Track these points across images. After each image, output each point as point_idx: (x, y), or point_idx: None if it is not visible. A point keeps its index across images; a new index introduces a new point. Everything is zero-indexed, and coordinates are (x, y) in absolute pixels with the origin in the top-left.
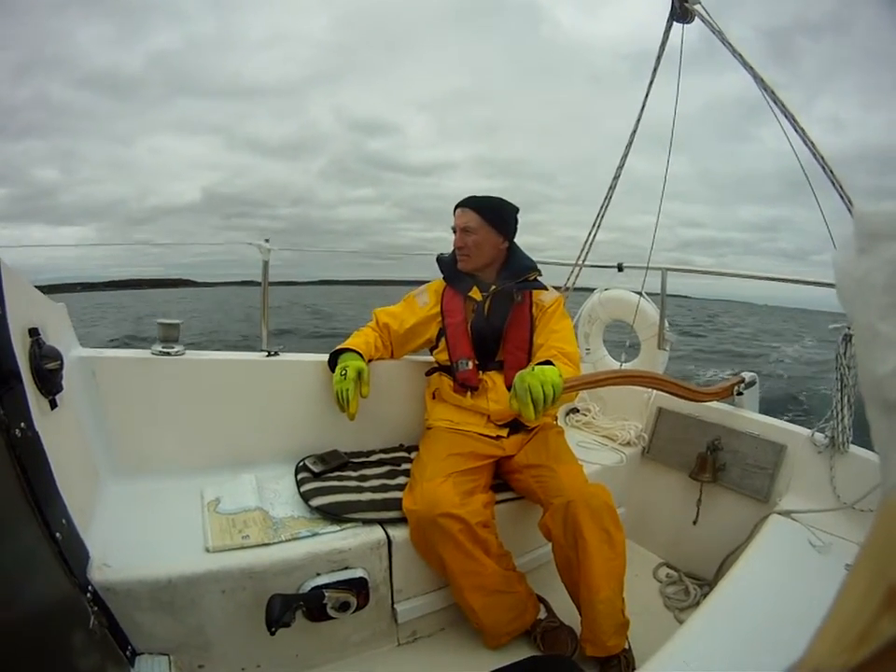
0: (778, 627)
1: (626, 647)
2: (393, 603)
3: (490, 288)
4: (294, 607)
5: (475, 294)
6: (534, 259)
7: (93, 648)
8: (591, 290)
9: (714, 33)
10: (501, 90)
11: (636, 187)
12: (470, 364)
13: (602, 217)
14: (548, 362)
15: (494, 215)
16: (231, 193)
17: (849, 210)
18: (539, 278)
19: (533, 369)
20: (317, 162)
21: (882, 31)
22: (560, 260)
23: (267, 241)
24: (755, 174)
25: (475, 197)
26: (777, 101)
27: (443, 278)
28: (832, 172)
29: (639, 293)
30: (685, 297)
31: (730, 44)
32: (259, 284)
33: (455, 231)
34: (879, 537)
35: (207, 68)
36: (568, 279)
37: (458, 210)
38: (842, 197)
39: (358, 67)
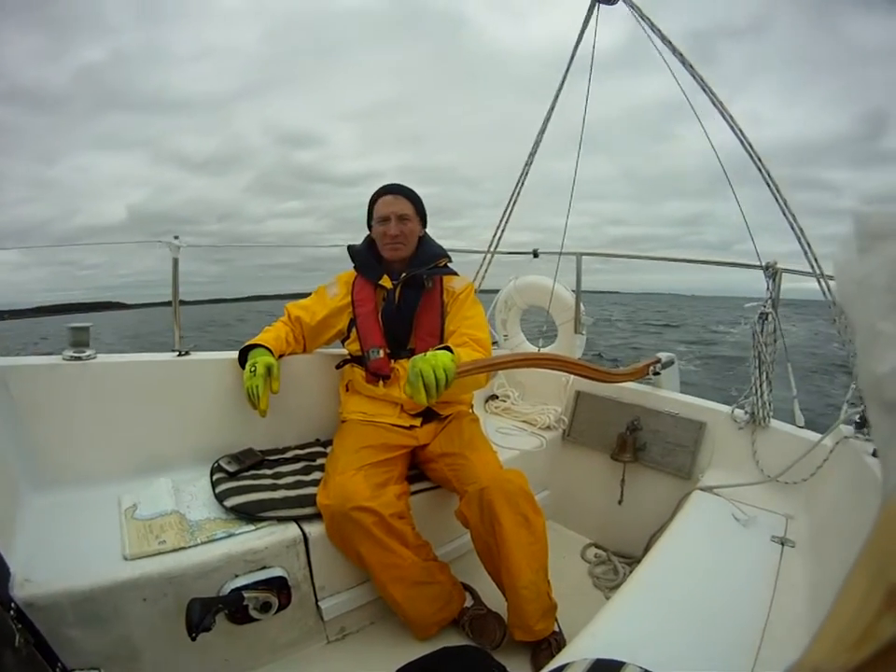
0: (703, 599)
1: (556, 629)
2: (317, 600)
3: (400, 276)
4: (214, 610)
5: (385, 282)
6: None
7: (21, 667)
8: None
9: (638, 17)
10: (427, 99)
11: (559, 188)
12: (381, 353)
13: (512, 208)
14: (445, 347)
15: (419, 203)
16: (157, 211)
17: (778, 199)
18: (448, 265)
19: (426, 354)
20: (245, 177)
21: (799, 33)
22: (474, 254)
23: (177, 238)
24: (677, 171)
25: (403, 185)
26: (705, 88)
27: (354, 267)
28: (760, 160)
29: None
30: (615, 292)
31: (658, 29)
32: (191, 303)
33: (384, 220)
34: (879, 537)
35: (134, 82)
36: (480, 267)
37: (390, 197)
38: (768, 185)
39: (285, 80)
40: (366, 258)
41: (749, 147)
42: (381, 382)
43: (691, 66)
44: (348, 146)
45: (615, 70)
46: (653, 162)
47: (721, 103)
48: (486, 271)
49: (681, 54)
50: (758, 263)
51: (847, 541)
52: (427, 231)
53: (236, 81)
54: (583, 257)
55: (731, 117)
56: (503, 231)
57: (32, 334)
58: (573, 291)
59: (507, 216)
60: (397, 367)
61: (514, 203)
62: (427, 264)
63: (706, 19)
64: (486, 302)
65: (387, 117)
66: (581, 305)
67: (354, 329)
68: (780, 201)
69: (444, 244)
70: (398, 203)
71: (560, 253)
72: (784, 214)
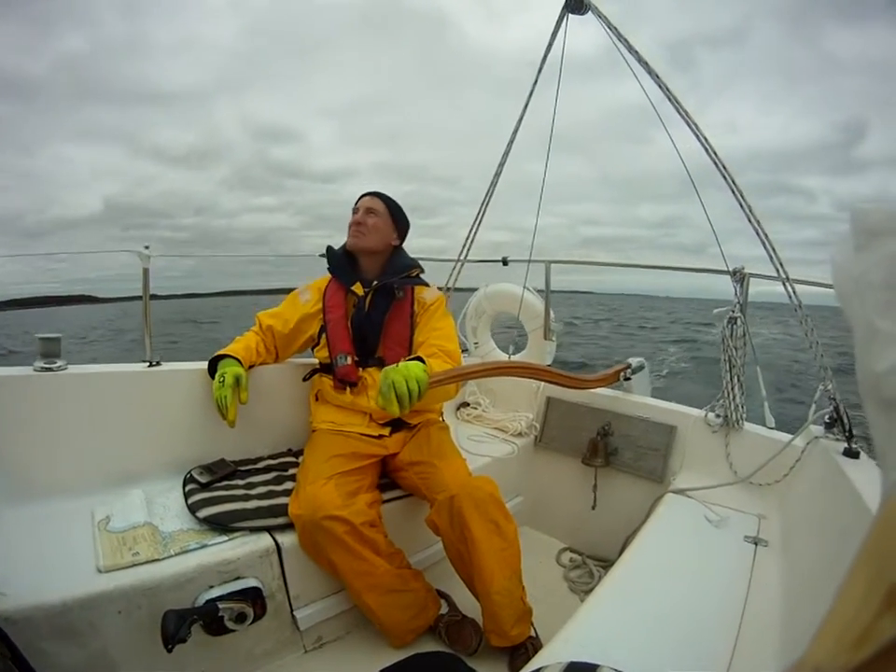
0: (677, 600)
1: (532, 634)
2: (292, 610)
3: (373, 284)
4: (189, 621)
5: (357, 289)
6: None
7: None
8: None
9: (606, 27)
10: (406, 97)
11: (536, 189)
12: (349, 360)
13: (482, 214)
14: (417, 358)
15: (397, 210)
16: (132, 203)
17: (743, 206)
18: (421, 275)
19: (398, 365)
20: (221, 171)
21: (777, 43)
22: (448, 258)
23: (147, 247)
24: (653, 174)
25: (387, 195)
26: (671, 97)
27: (329, 269)
28: (724, 167)
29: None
30: (588, 293)
31: (625, 39)
32: (162, 297)
33: (354, 213)
34: (879, 536)
35: (113, 73)
36: (450, 276)
37: (367, 196)
38: (733, 191)
39: (264, 75)
40: (341, 261)
41: (713, 155)
42: (348, 388)
43: (657, 76)
44: (326, 142)
45: (594, 73)
46: (630, 165)
47: (686, 112)
48: (457, 278)
49: (647, 63)
50: (725, 269)
51: (819, 539)
52: (402, 246)
53: (215, 75)
54: (558, 259)
55: (696, 125)
56: (474, 237)
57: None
58: (541, 295)
59: (478, 222)
60: (365, 375)
61: (486, 206)
62: (399, 274)
63: (684, 26)
64: (461, 300)
65: (366, 114)
66: (551, 312)
67: (323, 336)
68: (745, 207)
69: (421, 242)
70: (371, 201)
71: (529, 261)
72: (749, 220)
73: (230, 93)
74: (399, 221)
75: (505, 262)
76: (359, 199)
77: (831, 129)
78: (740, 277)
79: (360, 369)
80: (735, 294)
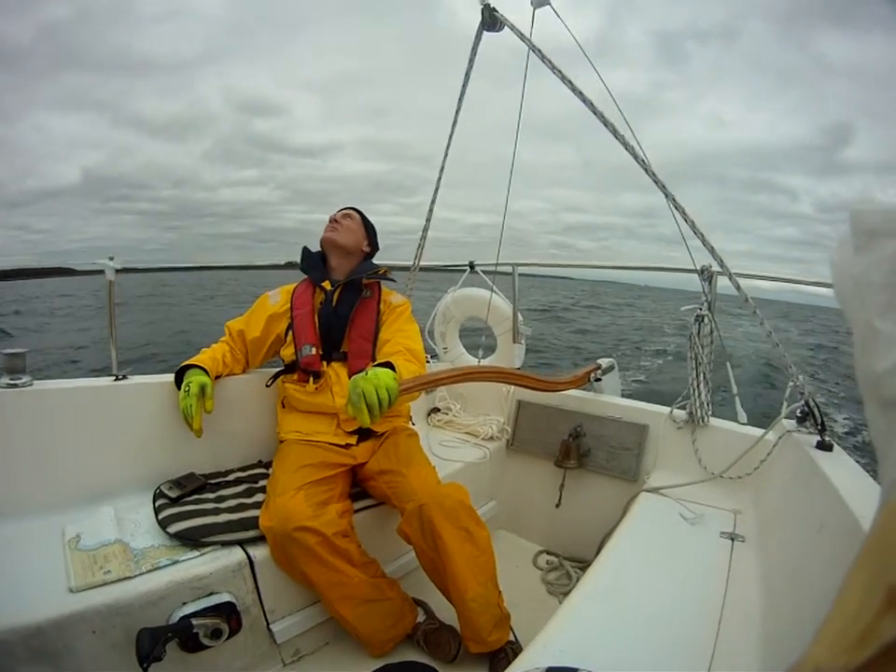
0: (655, 599)
1: (512, 639)
2: (268, 624)
3: (341, 281)
4: (163, 639)
5: (326, 285)
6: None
7: None
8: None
9: (523, 40)
10: (392, 75)
11: (519, 173)
12: (314, 350)
13: (431, 212)
14: (387, 364)
15: (371, 226)
16: (113, 175)
17: (672, 208)
18: (388, 275)
19: (367, 372)
20: (203, 143)
21: (768, 43)
22: (412, 268)
23: (112, 259)
24: (636, 164)
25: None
26: (591, 107)
27: (301, 268)
28: (654, 174)
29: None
30: (568, 278)
31: (539, 51)
32: (141, 270)
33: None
34: (879, 536)
35: (97, 40)
36: (408, 284)
37: (346, 209)
38: (665, 196)
39: (249, 47)
40: (314, 259)
41: (643, 162)
42: (311, 380)
43: (570, 81)
44: (309, 116)
45: (581, 63)
46: (614, 154)
47: (612, 123)
48: (413, 288)
49: (560, 71)
50: (693, 267)
51: (795, 532)
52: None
53: (200, 45)
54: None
55: (623, 137)
56: (423, 247)
57: None
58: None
59: (425, 232)
60: (329, 371)
61: (433, 204)
62: (366, 273)
63: (677, 19)
64: (429, 300)
65: (351, 90)
66: (519, 315)
67: (290, 333)
68: (678, 209)
69: (400, 220)
70: (349, 211)
71: (496, 264)
72: (676, 222)
73: (214, 64)
74: (371, 234)
75: (472, 267)
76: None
77: (816, 131)
78: (708, 275)
79: (325, 363)
80: (703, 292)
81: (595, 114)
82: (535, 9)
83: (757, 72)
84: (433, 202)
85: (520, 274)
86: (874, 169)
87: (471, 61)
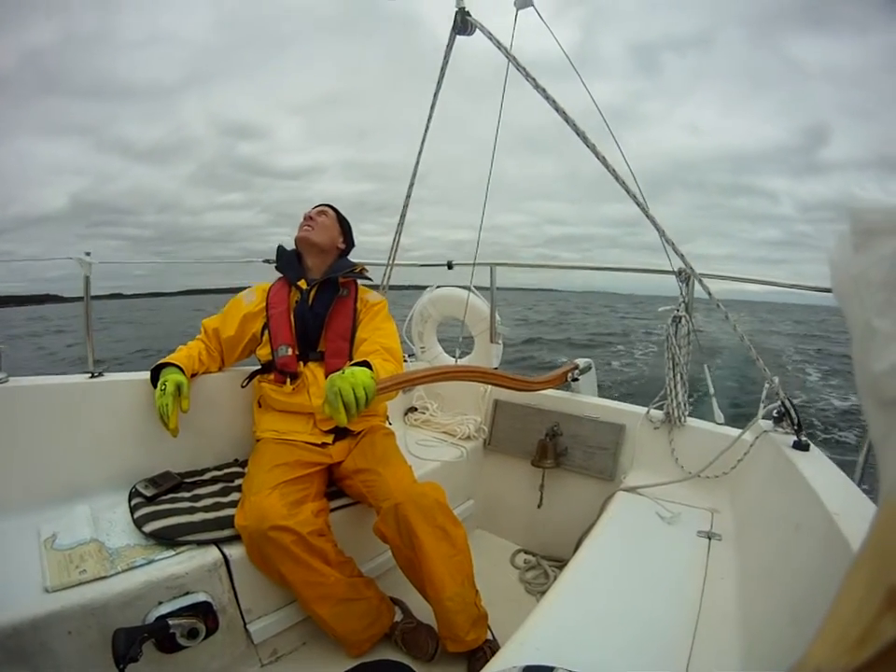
0: (632, 598)
1: (489, 638)
2: (245, 624)
3: (317, 280)
4: (139, 639)
5: (302, 284)
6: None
7: None
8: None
9: (496, 45)
10: (374, 95)
11: (503, 187)
12: (290, 351)
13: (404, 216)
14: (364, 363)
15: (345, 222)
16: (97, 200)
17: (645, 213)
18: (364, 273)
19: (343, 371)
20: (187, 167)
21: (743, 49)
22: (387, 263)
23: (88, 254)
24: (620, 174)
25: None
26: (566, 117)
27: (276, 267)
28: (623, 182)
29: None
30: (551, 290)
31: (513, 57)
32: (127, 296)
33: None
34: (878, 537)
35: (81, 66)
36: (383, 279)
37: (320, 206)
38: (637, 204)
39: (232, 71)
40: (289, 259)
41: (611, 170)
42: (288, 380)
43: (544, 90)
44: (293, 139)
45: (561, 74)
46: (596, 165)
47: (583, 133)
48: (389, 278)
49: (534, 79)
50: (671, 269)
51: (772, 531)
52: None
53: (183, 70)
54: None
55: (594, 146)
56: (398, 244)
57: None
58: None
59: (399, 229)
60: (305, 371)
61: (404, 217)
62: (343, 271)
63: (652, 30)
64: (412, 298)
65: (334, 111)
66: (497, 315)
67: (266, 332)
68: (649, 217)
69: (385, 240)
70: (323, 208)
71: (474, 264)
72: (655, 227)
73: (196, 88)
74: (346, 231)
75: (450, 266)
76: (312, 208)
77: (794, 133)
78: (685, 277)
79: (301, 363)
80: (681, 294)
81: (566, 122)
82: (518, 10)
83: (733, 78)
84: (411, 185)
85: (499, 288)
86: (852, 166)
87: (443, 68)
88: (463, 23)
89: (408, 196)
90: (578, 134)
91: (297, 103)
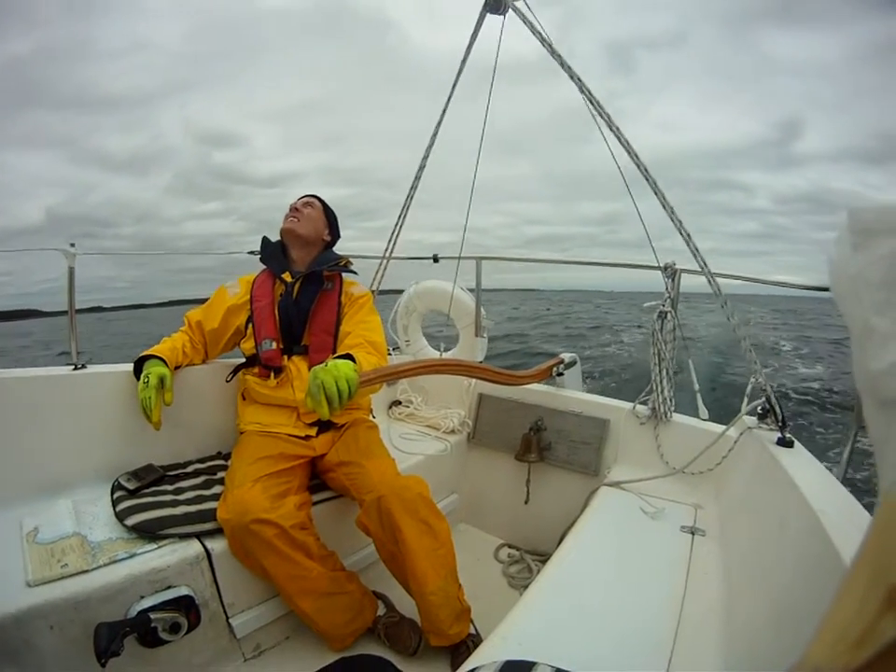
0: (615, 593)
1: (473, 632)
2: (228, 618)
3: (302, 273)
4: (121, 634)
5: (286, 277)
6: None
7: None
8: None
9: (528, 27)
10: (350, 101)
11: (478, 188)
12: (274, 345)
13: (406, 211)
14: (347, 356)
15: (331, 213)
16: (76, 212)
17: (665, 207)
18: (350, 267)
19: (326, 364)
20: (165, 177)
21: (716, 46)
22: (376, 255)
23: (73, 245)
24: (596, 172)
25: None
26: (593, 102)
27: (260, 259)
28: (647, 170)
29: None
30: (534, 290)
31: (549, 44)
32: (107, 309)
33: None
34: (878, 536)
35: (58, 78)
36: (377, 273)
37: (307, 197)
38: (655, 193)
39: (208, 79)
40: (274, 250)
41: (634, 157)
42: (272, 375)
43: (579, 79)
44: (269, 146)
45: (536, 75)
46: (573, 164)
47: (608, 115)
48: (383, 275)
49: (570, 67)
50: (657, 264)
51: (755, 527)
52: (334, 248)
53: (159, 79)
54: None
55: (618, 128)
56: (398, 233)
57: None
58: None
59: (402, 219)
60: (289, 365)
61: (408, 207)
62: (328, 264)
63: (624, 28)
64: (388, 303)
65: (310, 118)
66: (482, 309)
67: (250, 326)
68: (667, 208)
69: (362, 245)
70: (309, 199)
71: (459, 258)
72: (671, 220)
73: (173, 98)
74: (332, 222)
75: (436, 259)
76: (298, 199)
77: (768, 127)
78: (671, 272)
79: (285, 357)
80: (667, 289)
81: (601, 114)
82: (507, 6)
83: (706, 75)
84: (413, 187)
85: (484, 290)
86: (826, 158)
87: (469, 47)
88: (496, 2)
89: (410, 197)
90: (611, 128)
91: (272, 110)
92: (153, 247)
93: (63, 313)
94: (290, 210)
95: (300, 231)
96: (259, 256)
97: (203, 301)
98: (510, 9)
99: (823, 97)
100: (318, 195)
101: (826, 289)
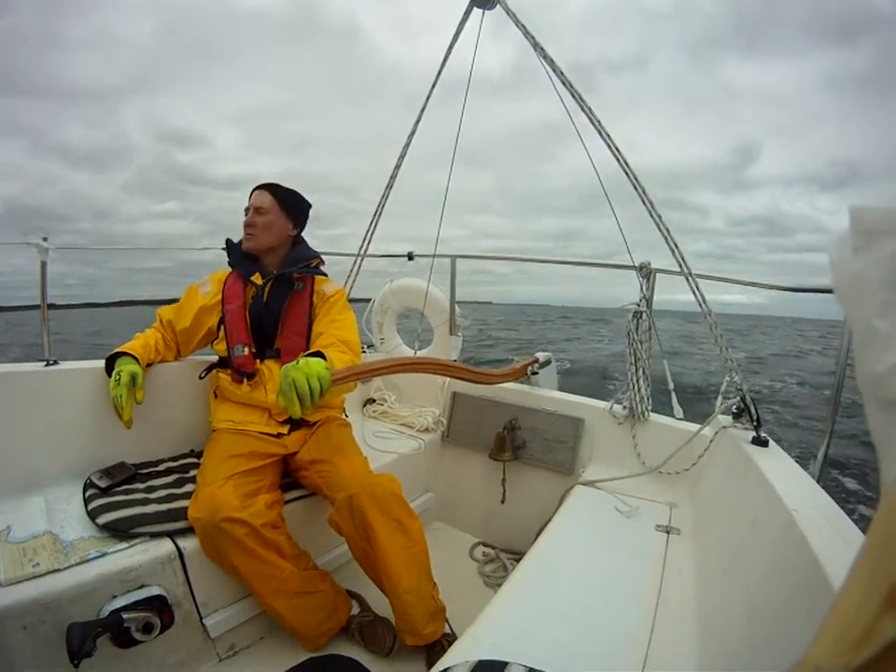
0: (589, 591)
1: (448, 631)
2: (201, 618)
3: (272, 274)
4: (93, 634)
5: (256, 279)
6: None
7: None
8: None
9: (517, 25)
10: (315, 107)
11: (439, 200)
12: (246, 350)
13: (380, 211)
14: (318, 353)
15: (288, 201)
16: (32, 205)
17: (652, 214)
18: (321, 267)
19: (298, 361)
20: (124, 174)
21: (675, 71)
22: (350, 252)
23: (45, 239)
24: (554, 189)
25: (276, 184)
26: (584, 107)
27: (228, 263)
28: (636, 177)
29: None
30: (488, 303)
31: (542, 48)
32: (61, 307)
33: (247, 213)
34: (879, 535)
35: (21, 66)
36: (351, 271)
37: (256, 192)
38: (643, 200)
39: (173, 77)
40: (241, 253)
41: (625, 165)
42: (245, 380)
43: (570, 84)
44: (231, 148)
45: (502, 91)
46: (532, 180)
47: (598, 121)
48: (357, 275)
49: (562, 73)
50: (632, 264)
51: (730, 525)
52: (303, 236)
53: (125, 74)
54: (460, 260)
55: (608, 135)
56: (372, 234)
57: None
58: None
59: (375, 220)
60: (262, 368)
61: (382, 207)
62: (298, 264)
63: (588, 51)
64: (359, 312)
65: (274, 122)
66: (457, 308)
67: (222, 328)
68: (655, 215)
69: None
70: (259, 197)
71: (434, 256)
72: (658, 227)
73: (138, 94)
74: (292, 211)
75: (410, 257)
76: (251, 194)
77: (725, 151)
78: (647, 273)
79: (258, 361)
80: (641, 289)
81: (591, 120)
82: (484, 12)
83: (668, 99)
84: (389, 187)
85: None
86: (779, 182)
87: (452, 43)
88: None
89: (385, 197)
90: (600, 133)
91: (236, 112)
92: (109, 244)
93: (16, 308)
94: (244, 228)
95: (260, 245)
96: (228, 261)
97: (156, 302)
98: (497, 5)
99: (779, 124)
100: (271, 184)
101: (794, 289)
